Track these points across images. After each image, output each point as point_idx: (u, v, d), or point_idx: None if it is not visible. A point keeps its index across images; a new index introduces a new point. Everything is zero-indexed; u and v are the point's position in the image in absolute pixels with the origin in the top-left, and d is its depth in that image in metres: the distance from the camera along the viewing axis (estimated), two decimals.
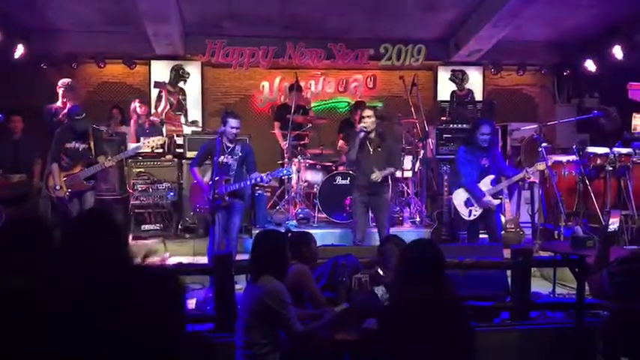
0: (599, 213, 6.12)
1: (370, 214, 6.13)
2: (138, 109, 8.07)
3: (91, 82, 9.39)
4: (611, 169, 6.51)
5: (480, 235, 6.18)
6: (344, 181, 7.18)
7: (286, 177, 6.78)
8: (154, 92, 9.19)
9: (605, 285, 2.73)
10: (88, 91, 9.30)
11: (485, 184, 5.92)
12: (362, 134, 5.78)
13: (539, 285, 5.48)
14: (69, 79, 7.57)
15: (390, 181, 6.31)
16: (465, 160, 5.94)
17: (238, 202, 5.66)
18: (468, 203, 5.95)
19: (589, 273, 2.99)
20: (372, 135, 5.84)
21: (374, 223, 6.22)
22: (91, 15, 8.00)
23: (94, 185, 6.04)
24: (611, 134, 7.82)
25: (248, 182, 5.64)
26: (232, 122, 5.55)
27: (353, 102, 9.19)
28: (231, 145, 5.64)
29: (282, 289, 3.20)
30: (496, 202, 5.95)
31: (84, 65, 9.19)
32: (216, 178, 5.43)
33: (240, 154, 5.65)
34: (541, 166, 6.09)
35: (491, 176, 5.95)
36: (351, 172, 7.16)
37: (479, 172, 5.94)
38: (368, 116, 5.81)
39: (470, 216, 5.95)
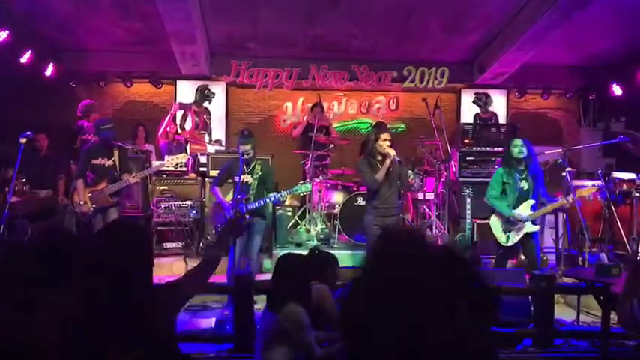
0: (625, 239, 6.00)
1: None
2: (168, 128, 8.21)
3: (118, 101, 9.57)
4: (637, 195, 6.40)
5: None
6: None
7: (305, 194, 6.78)
8: (180, 111, 9.32)
9: (635, 315, 2.65)
10: (114, 109, 9.48)
11: (525, 210, 5.64)
12: (397, 161, 5.52)
13: (563, 312, 5.38)
14: (87, 102, 7.70)
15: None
16: (500, 181, 5.72)
17: (259, 221, 5.70)
18: (505, 229, 5.71)
19: (618, 303, 2.90)
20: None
21: None
22: (119, 35, 8.18)
23: (118, 201, 6.14)
24: (638, 159, 7.70)
25: (267, 201, 5.70)
26: (241, 148, 5.66)
27: (374, 123, 9.20)
28: (251, 165, 5.72)
29: (300, 313, 3.17)
30: (535, 228, 5.66)
31: (112, 84, 9.37)
32: (237, 198, 5.52)
33: (260, 173, 5.72)
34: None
35: (532, 201, 5.66)
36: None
37: (516, 195, 5.66)
38: (389, 140, 5.60)
39: (508, 242, 5.69)
